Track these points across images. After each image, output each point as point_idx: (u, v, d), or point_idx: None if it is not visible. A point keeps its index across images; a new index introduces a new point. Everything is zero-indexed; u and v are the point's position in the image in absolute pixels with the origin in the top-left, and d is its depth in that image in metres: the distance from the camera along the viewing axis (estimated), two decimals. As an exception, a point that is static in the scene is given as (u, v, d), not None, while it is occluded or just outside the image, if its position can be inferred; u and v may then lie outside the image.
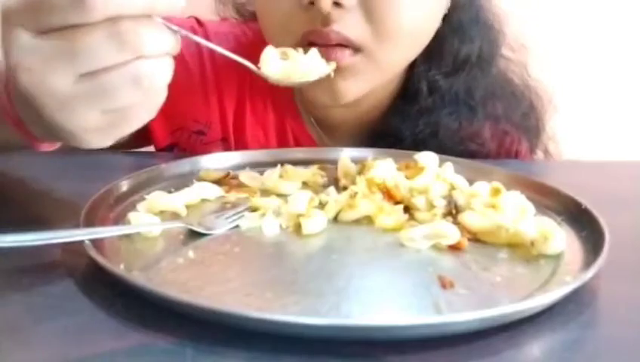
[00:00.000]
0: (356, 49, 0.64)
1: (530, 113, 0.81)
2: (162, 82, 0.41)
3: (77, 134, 0.42)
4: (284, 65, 0.52)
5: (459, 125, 0.76)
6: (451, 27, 0.73)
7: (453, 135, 0.76)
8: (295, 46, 0.61)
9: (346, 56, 0.64)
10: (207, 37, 0.78)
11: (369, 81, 0.69)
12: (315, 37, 0.63)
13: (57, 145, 0.53)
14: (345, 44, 0.63)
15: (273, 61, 0.51)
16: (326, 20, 0.62)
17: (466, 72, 0.76)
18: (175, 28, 0.42)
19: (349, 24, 0.62)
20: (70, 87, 0.39)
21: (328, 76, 0.61)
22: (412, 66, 0.75)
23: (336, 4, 0.60)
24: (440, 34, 0.72)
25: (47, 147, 0.52)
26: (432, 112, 0.76)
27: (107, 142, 0.44)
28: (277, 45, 0.60)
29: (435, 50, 0.73)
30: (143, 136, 0.79)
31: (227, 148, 0.78)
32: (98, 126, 0.41)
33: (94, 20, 0.38)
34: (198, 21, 0.80)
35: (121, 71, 0.39)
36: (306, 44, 0.63)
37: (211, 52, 0.77)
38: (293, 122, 0.79)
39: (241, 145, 0.78)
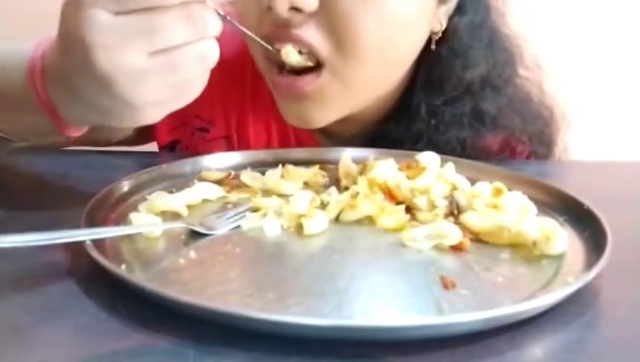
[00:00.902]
0: (318, 65, 0.62)
1: (545, 130, 0.78)
2: (216, 60, 0.46)
3: (138, 108, 0.45)
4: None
5: (463, 143, 0.73)
6: (453, 51, 0.70)
7: (456, 150, 0.72)
8: (267, 52, 0.63)
9: (311, 80, 0.62)
10: None
11: (340, 106, 0.66)
12: (274, 39, 0.61)
13: (83, 130, 0.54)
14: (305, 51, 0.61)
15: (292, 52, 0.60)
16: (285, 25, 0.60)
17: (471, 95, 0.72)
18: (221, 12, 0.46)
19: (308, 32, 0.60)
20: (143, 62, 0.43)
21: (296, 102, 0.64)
22: (411, 86, 0.72)
23: (295, 10, 0.58)
24: (441, 58, 0.69)
25: (74, 132, 0.53)
26: (434, 133, 0.72)
27: (159, 116, 0.47)
28: (255, 52, 0.66)
29: (436, 76, 0.70)
30: (146, 132, 0.79)
31: (230, 147, 0.78)
32: (159, 99, 0.45)
33: (170, 4, 0.42)
34: None
35: (189, 48, 0.44)
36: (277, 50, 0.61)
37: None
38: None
39: (243, 143, 0.78)
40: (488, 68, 0.72)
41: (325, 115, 0.66)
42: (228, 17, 0.48)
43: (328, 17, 0.59)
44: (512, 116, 0.75)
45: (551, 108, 0.79)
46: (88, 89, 0.45)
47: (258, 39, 0.58)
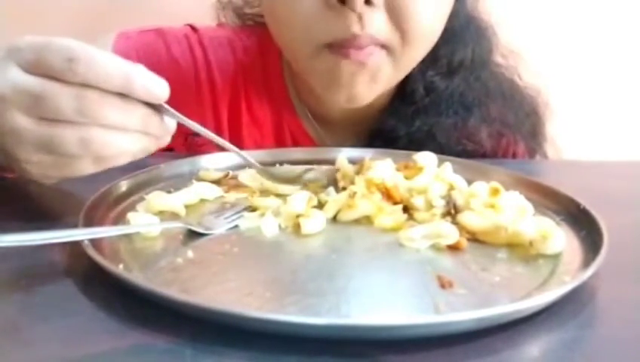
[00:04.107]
0: (383, 48, 0.65)
1: (528, 117, 0.82)
2: (113, 153, 0.46)
3: (22, 164, 0.46)
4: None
5: (455, 125, 0.77)
6: (444, 33, 0.73)
7: (450, 135, 0.77)
8: (313, 53, 0.65)
9: (375, 54, 0.64)
10: (201, 42, 0.79)
11: (386, 84, 0.70)
12: (348, 43, 0.63)
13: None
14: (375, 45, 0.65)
15: None
16: (359, 23, 0.61)
17: (461, 75, 0.78)
18: (174, 112, 0.47)
19: (377, 24, 0.63)
20: (24, 123, 0.44)
21: (350, 78, 0.65)
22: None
23: (367, 2, 0.60)
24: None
25: (9, 173, 0.54)
26: (428, 113, 0.77)
27: (49, 179, 0.48)
28: (292, 52, 0.67)
29: (429, 55, 0.74)
30: None
31: (222, 149, 0.78)
32: (40, 162, 0.46)
33: (72, 80, 0.43)
34: (193, 27, 0.80)
35: (75, 129, 0.44)
36: (325, 49, 0.64)
37: (205, 56, 0.78)
38: (290, 118, 0.80)
39: (236, 144, 0.79)
40: (473, 49, 0.78)
41: (372, 91, 0.69)
42: (188, 121, 0.50)
43: (392, 9, 0.63)
44: (494, 99, 0.80)
45: (532, 95, 0.83)
46: None
47: (218, 138, 0.56)
